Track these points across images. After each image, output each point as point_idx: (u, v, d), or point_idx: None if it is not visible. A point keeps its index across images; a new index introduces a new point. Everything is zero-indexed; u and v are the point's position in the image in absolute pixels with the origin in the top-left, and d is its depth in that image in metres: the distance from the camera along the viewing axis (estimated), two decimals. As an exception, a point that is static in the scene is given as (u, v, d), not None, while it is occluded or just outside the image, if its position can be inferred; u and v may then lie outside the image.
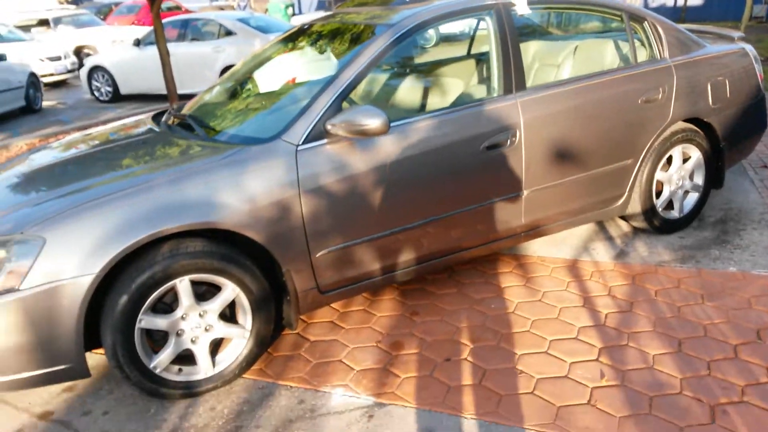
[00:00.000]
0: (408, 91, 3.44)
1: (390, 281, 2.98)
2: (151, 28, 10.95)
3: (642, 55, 3.59)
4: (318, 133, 2.65)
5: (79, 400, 2.61)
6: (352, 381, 2.61)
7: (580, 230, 3.96)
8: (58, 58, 13.11)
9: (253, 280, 2.55)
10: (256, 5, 21.99)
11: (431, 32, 3.44)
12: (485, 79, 3.20)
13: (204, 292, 2.55)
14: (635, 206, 3.63)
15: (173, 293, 2.47)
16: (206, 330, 2.55)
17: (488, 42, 3.15)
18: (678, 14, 18.74)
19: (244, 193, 2.49)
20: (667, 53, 3.59)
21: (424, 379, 2.59)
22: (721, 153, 3.84)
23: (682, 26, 3.92)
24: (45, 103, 10.98)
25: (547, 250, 3.71)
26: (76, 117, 9.59)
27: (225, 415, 2.46)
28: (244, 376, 2.69)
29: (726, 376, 2.46)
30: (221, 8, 20.90)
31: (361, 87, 3.41)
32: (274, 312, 2.67)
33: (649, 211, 3.66)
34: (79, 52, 14.99)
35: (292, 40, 3.60)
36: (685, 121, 3.67)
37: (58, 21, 15.99)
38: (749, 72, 3.92)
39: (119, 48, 10.89)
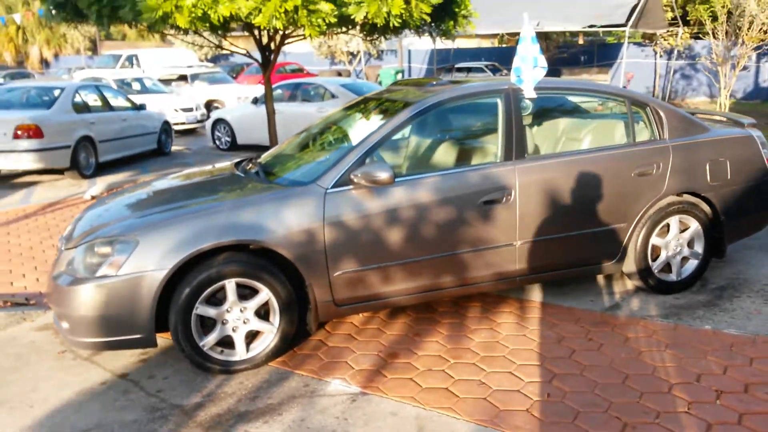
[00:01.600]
0: (426, 153, 4.20)
1: (395, 304, 3.69)
2: (275, 85, 12.49)
3: (644, 135, 4.14)
4: (344, 181, 3.46)
5: (148, 367, 3.49)
6: (349, 376, 3.31)
7: (587, 284, 4.45)
8: (191, 110, 15.07)
9: (283, 288, 3.36)
10: (369, 71, 23.73)
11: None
12: (491, 148, 3.89)
13: (246, 293, 3.37)
14: (630, 266, 4.11)
15: (223, 291, 3.32)
16: (244, 323, 3.37)
17: (496, 118, 3.87)
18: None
19: (281, 221, 3.33)
20: (666, 135, 4.12)
21: (404, 380, 3.24)
22: (721, 226, 4.24)
23: (689, 111, 4.43)
24: (174, 148, 12.69)
25: (551, 298, 4.25)
26: (199, 161, 11.10)
27: (249, 388, 3.24)
28: (270, 363, 3.47)
29: (653, 404, 2.93)
30: (339, 73, 22.79)
31: (394, 148, 4.19)
32: (297, 317, 3.45)
33: (644, 272, 4.12)
34: (209, 105, 17.03)
35: (351, 108, 4.49)
36: (684, 194, 4.13)
37: (195, 77, 18.28)
38: (754, 155, 4.33)
39: (240, 105, 12.48)
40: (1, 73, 30.48)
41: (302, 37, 7.04)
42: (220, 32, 7.16)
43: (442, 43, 20.03)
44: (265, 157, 4.33)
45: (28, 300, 4.44)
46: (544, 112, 4.39)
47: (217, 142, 12.45)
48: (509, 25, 17.08)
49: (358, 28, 7.58)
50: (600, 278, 4.53)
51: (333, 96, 10.96)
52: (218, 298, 3.33)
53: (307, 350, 3.64)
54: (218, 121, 12.31)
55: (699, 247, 4.24)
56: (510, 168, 3.73)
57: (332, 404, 3.05)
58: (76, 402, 3.17)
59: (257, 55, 8.40)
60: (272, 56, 8.32)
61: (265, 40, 8.14)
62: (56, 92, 9.46)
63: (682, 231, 4.19)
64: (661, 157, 4.04)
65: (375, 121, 3.91)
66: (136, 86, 16.10)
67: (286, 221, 3.34)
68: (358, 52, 24.80)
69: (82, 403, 3.15)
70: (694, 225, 4.18)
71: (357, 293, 3.54)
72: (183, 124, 14.86)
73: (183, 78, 18.59)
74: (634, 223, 4.01)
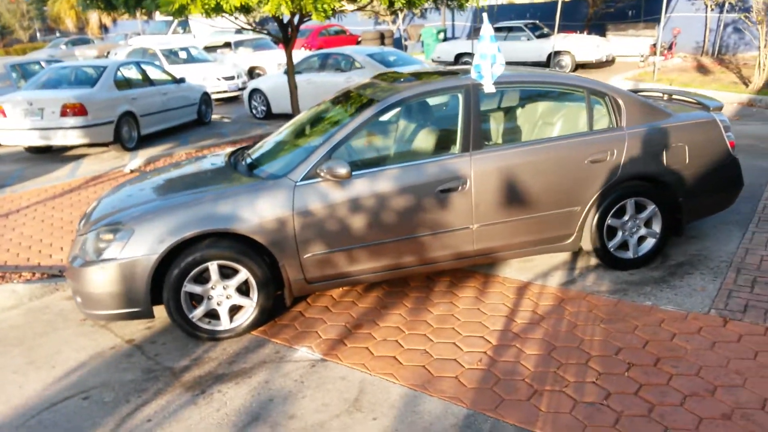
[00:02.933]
0: (390, 146, 4.59)
1: (362, 281, 4.18)
2: (308, 55, 12.92)
3: (602, 123, 4.41)
4: (312, 175, 3.93)
5: (151, 334, 4.12)
6: (315, 344, 3.84)
7: (553, 260, 4.80)
8: (232, 78, 15.71)
9: (259, 268, 3.89)
10: (412, 31, 23.72)
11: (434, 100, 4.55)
12: (450, 140, 4.24)
13: (228, 273, 3.92)
14: (587, 245, 4.44)
15: (208, 271, 3.87)
16: (227, 298, 3.93)
17: (457, 112, 4.21)
18: None
19: (256, 211, 3.84)
20: (624, 122, 4.37)
21: (360, 349, 3.75)
22: (678, 207, 4.49)
23: (670, 89, 4.65)
24: (214, 117, 13.37)
25: (515, 272, 4.64)
26: (234, 131, 11.74)
27: (229, 353, 3.82)
28: (252, 333, 4.03)
29: (565, 374, 3.34)
30: (382, 33, 22.90)
31: (361, 141, 4.56)
32: (273, 293, 3.98)
33: (600, 250, 4.45)
34: (252, 72, 17.63)
35: (334, 101, 4.90)
36: (640, 178, 4.39)
37: (239, 44, 18.89)
38: (715, 139, 4.53)
39: (275, 74, 12.97)
40: (63, 39, 31.99)
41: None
42: (237, 15, 7.61)
43: None
44: (254, 149, 4.80)
45: (61, 272, 5.16)
46: (505, 105, 4.69)
47: (254, 111, 13.03)
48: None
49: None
50: (567, 254, 4.87)
51: (360, 66, 11.31)
52: (204, 277, 3.89)
53: (286, 321, 4.19)
54: (254, 91, 12.86)
55: (657, 227, 4.51)
56: (466, 159, 4.10)
57: (295, 369, 3.60)
58: (89, 363, 3.83)
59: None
60: (292, 34, 8.73)
61: (286, 18, 8.56)
62: (100, 71, 10.18)
63: (640, 212, 4.47)
64: (617, 144, 4.30)
65: (345, 116, 4.33)
66: (182, 55, 16.85)
67: (260, 211, 3.84)
68: (402, 10, 24.75)
69: (94, 365, 3.81)
70: (651, 206, 4.44)
71: (325, 272, 4.04)
72: (225, 92, 15.53)
73: (228, 45, 19.23)
74: (588, 206, 4.31)
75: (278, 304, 4.17)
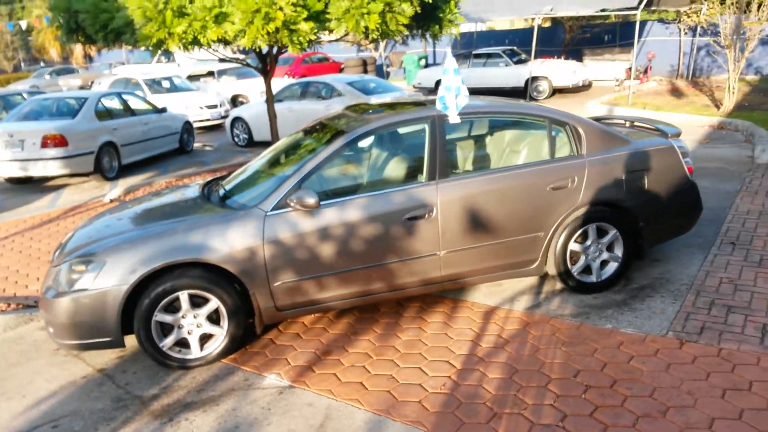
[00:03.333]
0: (358, 176, 4.72)
1: (332, 308, 4.27)
2: (289, 83, 13.10)
3: (563, 151, 4.57)
4: (282, 204, 4.04)
5: (122, 363, 4.17)
6: (284, 371, 3.91)
7: (520, 284, 4.92)
8: (215, 106, 15.86)
9: (229, 297, 3.97)
10: (394, 58, 24.09)
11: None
12: (417, 169, 4.38)
13: (199, 301, 4.00)
14: (552, 269, 4.57)
15: (179, 301, 3.95)
16: (198, 326, 4.00)
17: (423, 142, 4.36)
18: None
19: (227, 240, 3.93)
20: (585, 150, 4.53)
21: (328, 375, 3.83)
22: (639, 231, 4.64)
23: (631, 116, 4.83)
24: (196, 145, 13.47)
25: (483, 297, 4.74)
26: (216, 159, 11.85)
27: (199, 382, 3.88)
28: (223, 360, 4.10)
29: (524, 397, 3.43)
30: (364, 60, 23.23)
31: (328, 171, 4.65)
32: (244, 321, 4.06)
33: (564, 275, 4.58)
34: (234, 100, 17.80)
35: (307, 132, 5.03)
36: (602, 204, 4.54)
37: (222, 73, 19.08)
38: (673, 165, 4.70)
39: (256, 103, 13.14)
40: (47, 69, 32.09)
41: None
42: (216, 48, 7.77)
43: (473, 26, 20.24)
44: (228, 179, 4.91)
45: (36, 302, 5.20)
46: (470, 134, 4.85)
47: (236, 138, 13.16)
48: (525, 11, 17.24)
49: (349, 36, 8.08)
50: (535, 279, 4.99)
51: (340, 94, 11.51)
52: (175, 306, 3.96)
53: (257, 348, 4.26)
54: (236, 119, 13.00)
55: (618, 251, 4.65)
56: (432, 187, 4.23)
57: (262, 396, 3.67)
58: (60, 393, 3.87)
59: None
60: (270, 65, 8.90)
61: (265, 50, 8.72)
62: (81, 102, 10.28)
63: (602, 237, 4.61)
64: (577, 171, 4.46)
65: (316, 147, 4.46)
66: (165, 84, 17.01)
67: (231, 241, 3.94)
68: (378, 40, 25.16)
69: (65, 394, 3.85)
70: (613, 231, 4.59)
71: (295, 300, 4.13)
72: (208, 120, 15.66)
73: (211, 74, 19.41)
74: (551, 231, 4.45)
75: (250, 331, 4.24)
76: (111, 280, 3.81)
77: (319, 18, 6.85)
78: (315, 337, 4.35)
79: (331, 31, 6.98)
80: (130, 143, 10.78)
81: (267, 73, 8.98)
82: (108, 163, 10.31)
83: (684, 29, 18.68)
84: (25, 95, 12.38)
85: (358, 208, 4.11)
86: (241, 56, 11.35)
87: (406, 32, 7.73)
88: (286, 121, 11.47)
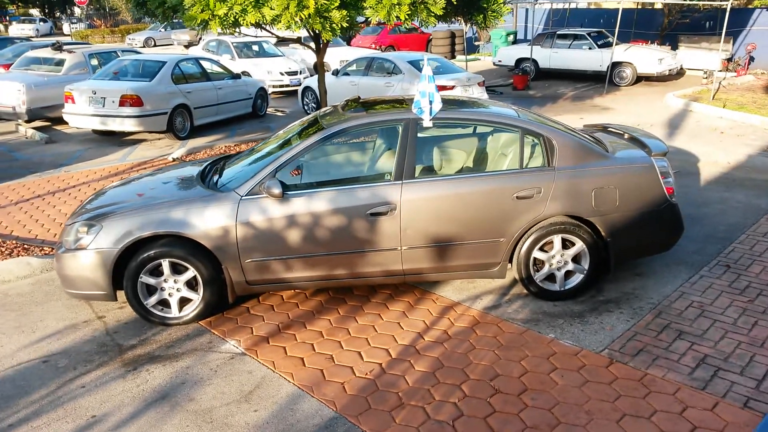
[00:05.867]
0: (329, 170, 5.04)
1: (299, 288, 4.70)
2: (357, 57, 13.48)
3: (534, 161, 4.69)
4: (256, 191, 4.48)
5: (118, 314, 4.82)
6: (244, 339, 4.41)
7: (492, 284, 5.12)
8: (296, 73, 16.55)
9: (205, 268, 4.49)
10: (481, 33, 23.74)
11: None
12: (386, 168, 4.65)
13: (180, 269, 4.54)
14: (515, 274, 4.75)
15: (162, 267, 4.51)
16: (177, 290, 4.57)
17: (396, 143, 4.63)
18: None
19: (204, 218, 4.43)
20: (555, 162, 4.63)
21: (278, 348, 4.28)
22: (606, 246, 4.71)
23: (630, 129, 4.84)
24: (269, 110, 14.21)
25: (451, 292, 5.00)
26: (282, 125, 12.50)
27: (172, 338, 4.46)
28: (200, 323, 4.65)
29: (435, 392, 3.72)
30: (453, 33, 23.08)
31: (305, 164, 4.98)
32: (218, 290, 4.57)
33: (526, 280, 4.75)
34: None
35: (302, 124, 5.38)
36: (568, 217, 4.64)
37: (308, 39, 19.67)
38: (650, 183, 4.70)
39: (325, 75, 13.64)
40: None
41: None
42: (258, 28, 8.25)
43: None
44: (231, 161, 5.38)
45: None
46: (441, 139, 5.04)
47: (306, 107, 13.75)
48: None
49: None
50: (508, 279, 5.17)
51: (400, 72, 11.75)
52: (159, 271, 4.54)
53: (234, 315, 4.78)
54: (306, 89, 13.56)
55: (585, 263, 4.75)
56: (397, 186, 4.51)
57: (216, 359, 4.18)
58: (62, 332, 4.57)
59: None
60: (323, 44, 9.29)
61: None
62: (159, 65, 11.16)
63: (567, 248, 4.72)
64: (545, 182, 4.57)
65: (297, 140, 4.83)
66: (255, 48, 17.88)
67: (208, 219, 4.43)
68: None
69: (65, 334, 4.55)
70: (579, 244, 4.69)
71: (264, 276, 4.59)
72: (288, 86, 16.38)
73: (299, 40, 20.06)
74: (514, 238, 4.62)
75: (237, 299, 4.76)
76: (105, 242, 4.42)
77: (355, 5, 7.14)
78: (286, 310, 4.81)
79: (367, 17, 7.25)
80: (202, 106, 11.60)
81: (319, 51, 9.37)
82: (180, 123, 11.19)
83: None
84: (119, 53, 13.50)
85: (324, 200, 4.48)
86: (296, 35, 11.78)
87: (436, 23, 7.84)
88: (348, 94, 11.83)
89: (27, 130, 11.75)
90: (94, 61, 13.12)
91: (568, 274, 4.80)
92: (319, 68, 9.68)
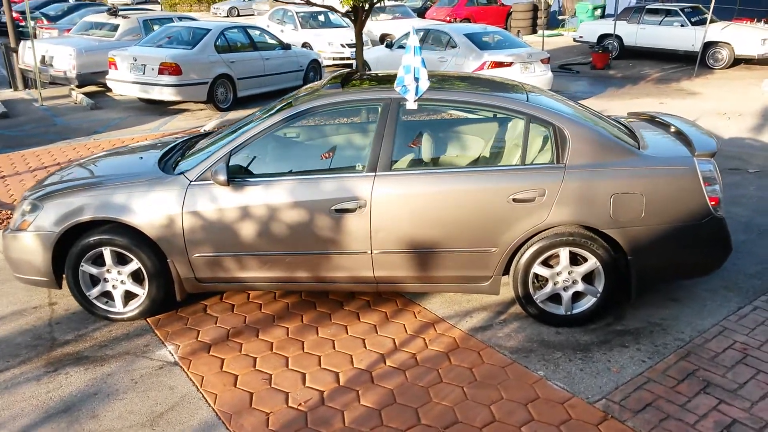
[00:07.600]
0: (292, 156, 4.31)
1: (255, 288, 4.10)
2: (419, 28, 12.65)
3: (540, 157, 3.83)
4: (206, 176, 3.88)
5: (67, 302, 4.40)
6: (183, 345, 3.86)
7: (489, 300, 4.32)
8: (357, 45, 15.87)
9: (149, 261, 3.97)
10: (569, 4, 22.06)
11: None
12: (358, 157, 3.92)
13: (126, 260, 4.05)
14: (512, 291, 3.94)
15: (104, 255, 4.03)
16: (122, 283, 4.07)
17: (372, 128, 3.90)
18: None
19: (148, 204, 3.89)
20: (566, 159, 3.75)
21: (216, 359, 3.70)
22: (628, 266, 3.81)
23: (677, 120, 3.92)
24: (324, 83, 13.66)
25: (438, 306, 4.25)
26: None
27: (110, 336, 3.98)
28: (147, 320, 4.16)
29: (389, 421, 3.04)
30: (535, 5, 21.60)
31: (263, 147, 4.27)
32: (165, 285, 4.04)
33: (524, 300, 3.93)
34: (383, 39, 17.65)
35: (281, 101, 4.68)
36: (579, 227, 3.77)
37: (381, 10, 18.93)
38: (689, 191, 3.73)
39: (376, 48, 12.97)
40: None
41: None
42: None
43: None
44: (206, 140, 4.77)
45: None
46: (428, 125, 4.21)
47: (359, 81, 13.10)
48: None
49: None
50: (506, 295, 4.34)
51: (455, 46, 10.83)
52: (102, 261, 4.06)
53: (186, 313, 4.25)
54: (359, 62, 12.90)
55: (599, 285, 3.86)
56: (369, 179, 3.79)
57: (142, 367, 3.66)
58: (7, 318, 4.21)
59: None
60: (366, 13, 8.58)
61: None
62: (203, 33, 10.79)
63: (576, 264, 3.85)
64: (550, 183, 3.71)
65: (258, 120, 4.16)
66: (321, 18, 17.37)
67: (152, 205, 3.89)
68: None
69: (10, 320, 4.18)
70: (592, 260, 3.80)
71: (216, 274, 4.01)
72: (349, 59, 15.76)
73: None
74: (509, 249, 3.80)
75: (197, 295, 4.25)
76: (45, 225, 3.98)
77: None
78: (245, 312, 4.23)
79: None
80: (247, 77, 11.17)
81: (357, 21, 8.67)
82: (223, 94, 10.81)
83: None
84: (175, 20, 13.28)
85: (282, 191, 3.83)
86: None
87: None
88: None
89: (77, 95, 11.76)
90: (155, 27, 12.96)
91: (578, 296, 3.94)
92: (356, 39, 8.96)
